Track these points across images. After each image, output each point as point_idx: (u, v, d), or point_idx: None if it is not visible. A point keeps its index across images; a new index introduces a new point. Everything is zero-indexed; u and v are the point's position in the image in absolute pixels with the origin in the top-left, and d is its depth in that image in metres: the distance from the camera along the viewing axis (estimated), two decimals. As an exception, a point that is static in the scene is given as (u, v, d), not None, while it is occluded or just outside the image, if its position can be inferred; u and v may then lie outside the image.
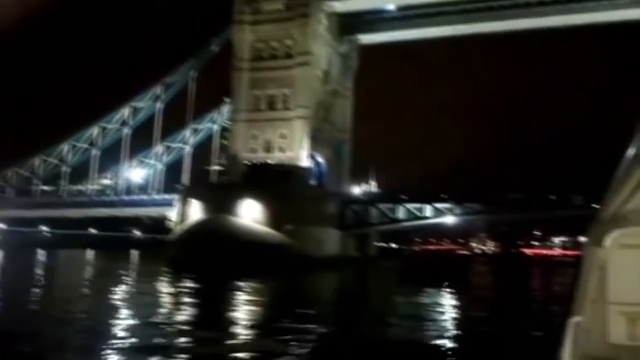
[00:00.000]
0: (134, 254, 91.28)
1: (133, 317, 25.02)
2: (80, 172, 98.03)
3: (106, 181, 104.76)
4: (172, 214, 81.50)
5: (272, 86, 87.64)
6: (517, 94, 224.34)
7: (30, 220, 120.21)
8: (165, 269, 63.30)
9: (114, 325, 21.61)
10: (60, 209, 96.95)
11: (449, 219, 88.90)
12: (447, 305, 36.67)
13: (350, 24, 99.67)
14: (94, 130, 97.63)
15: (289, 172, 78.40)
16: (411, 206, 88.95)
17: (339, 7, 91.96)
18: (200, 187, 79.85)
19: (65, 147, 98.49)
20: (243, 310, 29.21)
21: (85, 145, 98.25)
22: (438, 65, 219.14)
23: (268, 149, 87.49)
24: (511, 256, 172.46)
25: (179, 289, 39.31)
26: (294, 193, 75.03)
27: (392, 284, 61.85)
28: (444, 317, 29.75)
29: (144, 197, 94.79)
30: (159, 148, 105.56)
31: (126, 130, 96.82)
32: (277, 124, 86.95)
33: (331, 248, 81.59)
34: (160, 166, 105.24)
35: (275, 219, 73.41)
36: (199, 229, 72.30)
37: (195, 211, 75.32)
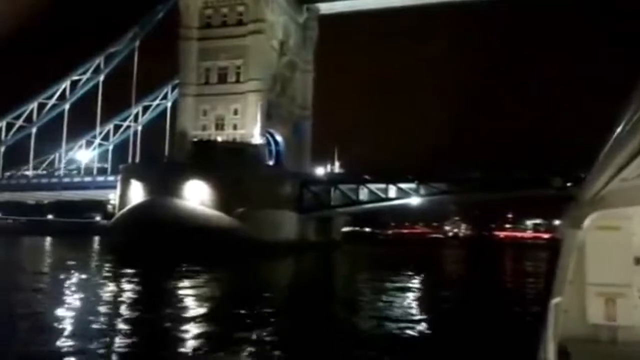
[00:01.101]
0: (95, 240, 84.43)
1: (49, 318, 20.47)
2: (19, 152, 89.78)
3: (49, 163, 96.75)
4: (113, 197, 74.58)
5: (223, 57, 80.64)
6: (489, 70, 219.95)
7: None
8: (103, 257, 57.40)
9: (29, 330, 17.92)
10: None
11: (414, 200, 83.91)
12: (415, 290, 34.73)
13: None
14: (31, 106, 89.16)
15: (239, 150, 72.15)
16: (374, 187, 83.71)
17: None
18: (142, 166, 73.03)
19: (1, 125, 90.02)
20: (186, 307, 24.63)
21: (23, 123, 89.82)
22: (403, 39, 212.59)
23: (220, 126, 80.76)
24: (484, 239, 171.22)
25: (108, 284, 33.89)
26: (245, 173, 68.84)
27: (356, 269, 56.62)
28: (410, 303, 28.25)
29: (87, 179, 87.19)
30: (108, 127, 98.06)
31: (66, 107, 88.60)
32: (229, 98, 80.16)
33: (288, 232, 75.83)
34: (109, 147, 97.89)
35: (224, 202, 67.31)
36: (138, 212, 65.85)
37: (137, 193, 68.66)
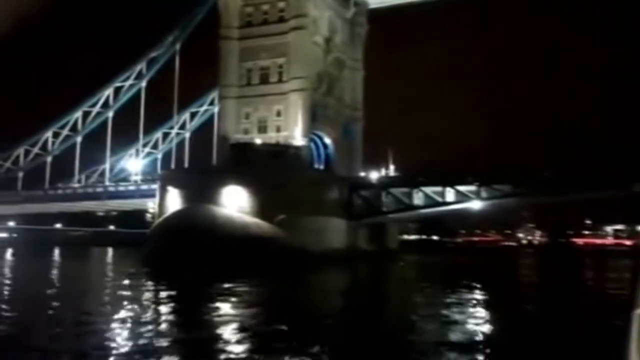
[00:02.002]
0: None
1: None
2: (66, 162, 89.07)
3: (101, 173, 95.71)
4: (152, 205, 71.57)
5: (265, 56, 76.43)
6: (552, 63, 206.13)
7: (44, 216, 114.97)
8: (140, 269, 53.99)
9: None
10: (44, 203, 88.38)
11: (475, 204, 76.12)
12: (486, 305, 30.53)
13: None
14: (76, 115, 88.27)
15: (280, 153, 67.32)
16: (430, 190, 76.70)
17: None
18: (179, 173, 69.64)
19: (48, 135, 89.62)
20: (225, 327, 21.72)
21: (68, 132, 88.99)
22: (462, 32, 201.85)
23: (262, 128, 76.39)
24: (560, 246, 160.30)
25: (142, 299, 30.17)
26: (286, 177, 63.96)
27: (414, 281, 50.34)
28: (479, 320, 25.01)
29: (132, 187, 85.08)
30: (156, 135, 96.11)
31: (110, 114, 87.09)
32: (272, 99, 75.74)
33: (335, 241, 70.17)
34: (158, 155, 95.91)
35: (264, 208, 62.65)
36: (174, 221, 62.25)
37: (174, 201, 65.13)
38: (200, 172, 68.56)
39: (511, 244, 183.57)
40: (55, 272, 52.77)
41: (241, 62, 77.52)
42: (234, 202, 62.48)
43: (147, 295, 32.91)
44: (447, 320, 24.48)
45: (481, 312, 28.28)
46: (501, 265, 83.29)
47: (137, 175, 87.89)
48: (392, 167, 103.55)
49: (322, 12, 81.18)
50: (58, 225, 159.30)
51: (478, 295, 35.02)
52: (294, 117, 73.47)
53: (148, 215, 72.40)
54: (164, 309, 26.93)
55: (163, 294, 32.89)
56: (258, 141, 70.34)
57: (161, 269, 53.47)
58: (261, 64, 76.76)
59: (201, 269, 49.42)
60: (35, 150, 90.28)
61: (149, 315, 24.53)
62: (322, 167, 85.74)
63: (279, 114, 75.62)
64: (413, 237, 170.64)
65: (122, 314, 24.50)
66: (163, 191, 66.80)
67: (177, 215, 62.57)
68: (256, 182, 62.63)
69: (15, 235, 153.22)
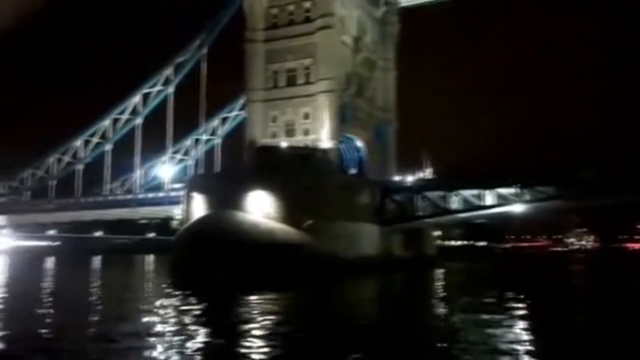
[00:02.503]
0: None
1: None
2: (99, 169, 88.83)
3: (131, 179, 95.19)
4: (177, 212, 69.96)
5: (291, 58, 74.17)
6: (593, 57, 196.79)
7: (84, 225, 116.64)
8: (166, 278, 52.34)
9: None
10: (76, 212, 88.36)
11: (517, 208, 71.48)
12: (530, 321, 26.37)
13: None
14: (106, 122, 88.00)
15: (306, 156, 64.53)
16: (468, 193, 72.59)
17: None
18: (204, 179, 67.76)
19: (78, 144, 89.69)
20: (254, 338, 20.31)
21: (98, 140, 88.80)
22: (497, 27, 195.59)
23: (290, 132, 74.01)
24: (612, 252, 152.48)
25: (162, 311, 28.06)
26: (313, 181, 61.19)
27: (454, 292, 46.70)
28: (519, 338, 21.24)
29: (161, 194, 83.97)
30: (187, 141, 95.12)
31: (139, 121, 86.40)
32: (299, 101, 73.35)
33: (368, 247, 66.88)
34: (190, 161, 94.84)
35: (291, 214, 59.94)
36: (197, 228, 60.22)
37: (199, 207, 63.19)
38: (225, 177, 66.54)
39: (561, 249, 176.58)
40: (91, 280, 51.84)
41: (267, 64, 75.51)
42: (260, 208, 60.04)
43: (168, 304, 30.85)
44: (487, 337, 21.70)
45: (522, 325, 25.16)
46: (549, 272, 78.53)
47: (169, 183, 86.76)
48: (428, 170, 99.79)
49: (351, 11, 78.54)
50: (98, 234, 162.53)
51: (520, 307, 31.35)
52: (322, 120, 70.82)
53: (174, 222, 70.94)
54: (184, 319, 25.16)
55: (186, 304, 30.93)
56: (284, 144, 67.87)
57: (186, 277, 51.59)
58: (288, 66, 74.54)
59: (226, 277, 47.42)
60: (67, 158, 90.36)
61: (169, 327, 22.93)
62: (354, 171, 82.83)
63: (306, 116, 73.12)
64: (458, 243, 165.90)
65: (143, 326, 23.26)
66: (189, 197, 65.02)
67: (201, 221, 60.60)
68: (282, 187, 60.09)
69: (56, 243, 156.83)
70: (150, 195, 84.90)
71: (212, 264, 53.19)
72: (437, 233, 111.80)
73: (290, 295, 37.97)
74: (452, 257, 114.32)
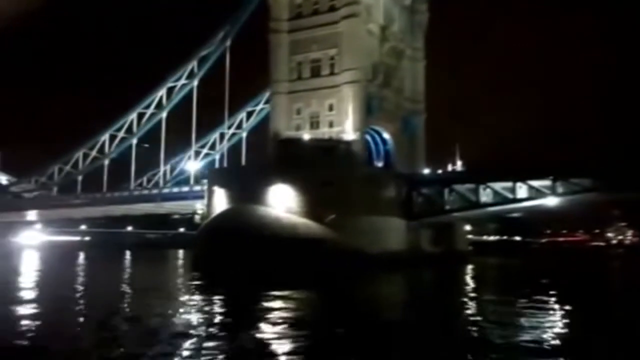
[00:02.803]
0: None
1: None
2: (125, 164, 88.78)
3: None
4: (200, 206, 69.10)
5: (315, 48, 72.30)
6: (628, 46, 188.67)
7: (116, 219, 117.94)
8: (189, 273, 51.60)
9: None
10: (102, 207, 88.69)
11: (550, 201, 68.43)
12: (559, 319, 25.07)
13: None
14: (131, 117, 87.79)
15: (329, 148, 62.79)
16: (499, 186, 69.78)
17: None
18: (225, 172, 66.66)
19: (104, 138, 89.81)
20: (280, 338, 19.38)
21: (124, 135, 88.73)
22: (529, 13, 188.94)
23: (314, 124, 72.22)
24: None
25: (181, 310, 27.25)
26: (336, 174, 59.48)
27: (484, 289, 44.40)
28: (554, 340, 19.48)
29: (185, 188, 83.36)
30: (214, 135, 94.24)
31: (164, 115, 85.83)
32: (323, 93, 71.47)
33: (394, 242, 64.94)
34: (216, 156, 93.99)
35: (313, 207, 58.50)
36: (218, 223, 59.26)
37: (220, 202, 62.19)
38: (246, 171, 65.45)
39: (600, 244, 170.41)
40: (118, 274, 51.57)
41: (291, 55, 73.81)
42: (281, 202, 58.68)
43: (184, 301, 30.47)
44: (519, 337, 20.07)
45: (555, 324, 23.49)
46: (586, 268, 75.01)
47: (195, 177, 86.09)
48: (459, 163, 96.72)
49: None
50: (129, 228, 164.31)
51: (554, 306, 29.21)
52: (347, 111, 68.80)
53: (196, 217, 70.12)
54: (204, 316, 24.66)
55: (205, 302, 30.10)
56: (306, 136, 66.17)
57: (207, 272, 50.67)
58: (312, 57, 72.72)
59: (247, 272, 46.32)
60: (93, 153, 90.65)
61: (193, 323, 22.72)
62: (381, 164, 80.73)
63: (331, 108, 71.22)
64: (492, 238, 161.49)
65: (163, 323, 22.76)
66: (210, 192, 64.14)
67: (222, 216, 59.60)
68: (304, 180, 58.58)
69: (87, 238, 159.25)
70: (175, 189, 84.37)
71: (233, 259, 52.12)
72: (468, 227, 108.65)
73: (312, 292, 36.51)
74: (485, 252, 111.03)
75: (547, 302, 30.03)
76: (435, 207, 71.88)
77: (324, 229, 57.65)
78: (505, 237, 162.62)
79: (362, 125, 69.39)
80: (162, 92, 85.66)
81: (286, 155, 61.83)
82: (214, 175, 66.87)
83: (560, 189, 67.04)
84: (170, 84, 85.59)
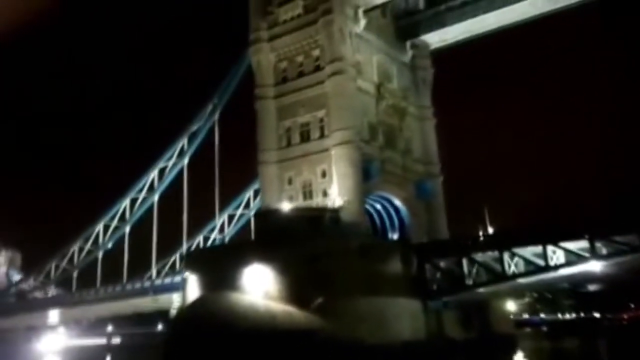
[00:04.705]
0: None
1: None
2: (115, 255, 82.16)
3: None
4: (176, 297, 60.53)
5: (304, 111, 65.98)
6: None
7: (145, 317, 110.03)
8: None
9: None
10: (94, 305, 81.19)
11: (593, 265, 56.37)
12: None
13: (407, 24, 76.57)
14: (124, 204, 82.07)
15: (315, 219, 53.75)
16: (529, 252, 58.57)
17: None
18: (199, 254, 58.40)
19: (98, 229, 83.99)
20: None
21: (117, 224, 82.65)
22: (543, 61, 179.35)
23: (307, 194, 64.20)
24: None
25: None
26: (323, 248, 50.10)
27: None
28: None
29: (177, 278, 75.15)
30: (223, 217, 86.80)
31: (155, 198, 79.62)
32: (314, 158, 64.00)
33: (406, 329, 53.52)
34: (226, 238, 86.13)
35: (296, 290, 48.80)
36: (187, 316, 50.16)
37: (193, 289, 53.44)
38: (221, 251, 56.92)
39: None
40: None
41: (279, 121, 67.58)
42: (258, 285, 49.38)
43: None
44: None
45: None
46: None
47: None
48: (490, 230, 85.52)
49: (369, 56, 70.10)
50: (160, 327, 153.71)
51: None
52: (339, 175, 60.64)
53: (172, 311, 61.51)
54: None
55: None
56: (286, 206, 57.65)
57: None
58: (300, 121, 66.16)
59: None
60: (88, 246, 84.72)
61: None
62: (396, 236, 71.21)
63: (323, 174, 63.30)
64: (569, 316, 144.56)
65: None
66: (183, 279, 55.75)
67: (189, 308, 50.69)
68: (284, 257, 49.44)
69: (117, 340, 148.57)
70: (167, 280, 76.19)
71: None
72: (512, 304, 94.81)
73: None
74: (556, 333, 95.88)
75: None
76: (455, 281, 60.83)
77: (311, 317, 47.59)
78: (582, 315, 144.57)
79: (359, 191, 60.62)
80: (153, 174, 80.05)
81: (264, 230, 53.20)
82: (188, 259, 58.53)
83: (602, 250, 55.38)
84: (162, 164, 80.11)
